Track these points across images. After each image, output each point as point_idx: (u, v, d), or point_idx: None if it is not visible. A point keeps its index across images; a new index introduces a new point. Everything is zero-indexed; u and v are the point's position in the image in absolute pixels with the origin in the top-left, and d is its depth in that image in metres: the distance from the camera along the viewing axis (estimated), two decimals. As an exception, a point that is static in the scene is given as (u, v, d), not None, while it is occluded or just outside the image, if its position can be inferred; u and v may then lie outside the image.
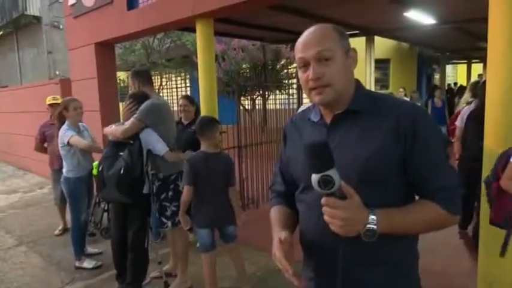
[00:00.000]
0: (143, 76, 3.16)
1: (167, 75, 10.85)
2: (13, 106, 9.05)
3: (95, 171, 3.15)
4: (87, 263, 3.56)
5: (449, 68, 16.35)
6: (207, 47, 4.16)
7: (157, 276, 3.23)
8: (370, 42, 7.52)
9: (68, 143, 3.37)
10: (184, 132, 3.81)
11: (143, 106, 2.84)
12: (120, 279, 3.01)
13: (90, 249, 3.86)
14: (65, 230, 4.55)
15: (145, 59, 12.43)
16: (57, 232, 4.54)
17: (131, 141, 2.74)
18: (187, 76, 12.50)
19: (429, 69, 15.07)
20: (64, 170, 3.49)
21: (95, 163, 3.19)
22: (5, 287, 3.31)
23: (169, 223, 3.02)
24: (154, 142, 2.81)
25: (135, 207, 2.85)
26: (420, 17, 5.88)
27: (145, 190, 2.84)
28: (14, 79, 18.07)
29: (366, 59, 7.58)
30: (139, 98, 2.89)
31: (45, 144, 4.50)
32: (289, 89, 7.15)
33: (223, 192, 2.74)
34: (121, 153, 2.73)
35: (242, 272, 2.96)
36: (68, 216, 4.21)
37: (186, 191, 2.67)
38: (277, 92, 8.16)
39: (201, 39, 4.13)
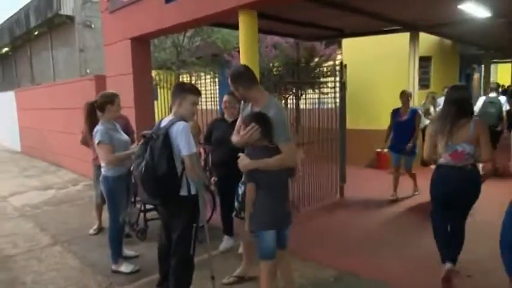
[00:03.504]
0: (243, 77, 2.55)
1: (196, 74, 10.72)
2: (47, 103, 9.14)
3: None
4: (125, 267, 3.38)
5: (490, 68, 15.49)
6: (250, 41, 3.92)
7: (230, 282, 3.07)
8: (414, 38, 7.07)
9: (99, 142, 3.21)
10: (229, 131, 3.57)
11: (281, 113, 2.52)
12: (162, 287, 2.80)
13: (126, 251, 3.68)
14: (100, 230, 4.42)
15: (175, 57, 12.41)
16: (92, 231, 4.41)
17: (154, 136, 2.49)
18: (216, 75, 12.37)
19: (468, 68, 14.34)
20: (103, 169, 3.32)
21: None
22: (41, 289, 3.18)
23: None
24: (184, 139, 2.47)
25: (175, 209, 2.62)
26: (475, 10, 5.43)
27: (183, 192, 2.56)
28: (48, 77, 18.51)
29: (410, 57, 7.15)
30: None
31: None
32: (320, 88, 6.81)
33: (287, 184, 2.48)
34: None
35: (291, 283, 2.68)
36: (104, 215, 4.08)
37: (251, 188, 2.37)
38: (310, 90, 7.87)
39: (244, 33, 3.91)
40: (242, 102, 2.76)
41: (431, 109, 7.50)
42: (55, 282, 3.27)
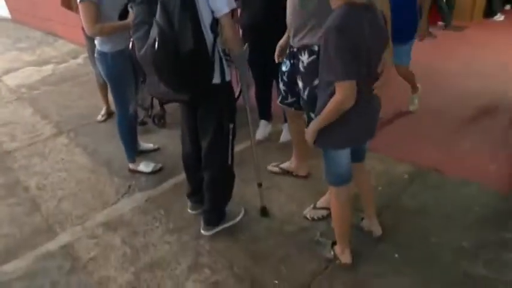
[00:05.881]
0: None
1: None
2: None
3: None
4: (144, 166, 2.76)
5: None
6: None
7: (275, 172, 2.57)
8: None
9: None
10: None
11: None
12: (193, 198, 2.20)
13: (144, 144, 3.03)
14: (109, 115, 3.73)
15: None
16: (100, 118, 3.72)
17: None
18: None
19: None
20: (96, 42, 2.38)
21: None
22: (48, 196, 2.63)
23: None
24: None
25: (205, 105, 1.81)
26: None
27: (216, 79, 1.70)
28: None
29: None
30: None
31: None
32: None
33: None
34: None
35: (369, 194, 2.01)
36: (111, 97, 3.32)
37: (347, 88, 1.39)
38: None
39: None
40: None
41: None
42: (64, 187, 2.71)
